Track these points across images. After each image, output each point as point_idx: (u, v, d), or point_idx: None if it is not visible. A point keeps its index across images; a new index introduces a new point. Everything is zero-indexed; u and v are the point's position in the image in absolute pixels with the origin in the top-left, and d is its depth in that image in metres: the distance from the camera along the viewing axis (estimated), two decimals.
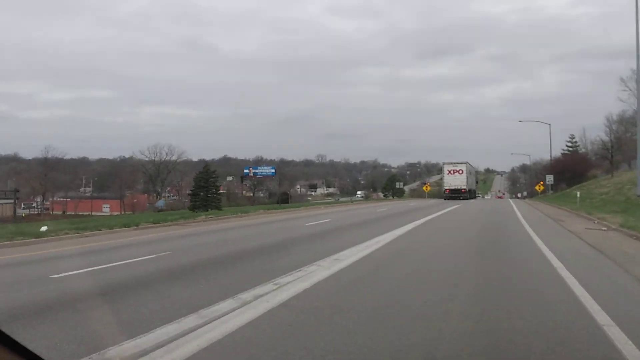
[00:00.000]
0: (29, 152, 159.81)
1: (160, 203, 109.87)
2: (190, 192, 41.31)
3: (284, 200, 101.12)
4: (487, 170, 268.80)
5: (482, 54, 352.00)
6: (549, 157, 69.54)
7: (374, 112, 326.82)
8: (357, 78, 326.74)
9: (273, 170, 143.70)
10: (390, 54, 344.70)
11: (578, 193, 31.04)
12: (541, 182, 73.99)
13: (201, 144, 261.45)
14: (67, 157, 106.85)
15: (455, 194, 59.29)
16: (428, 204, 45.75)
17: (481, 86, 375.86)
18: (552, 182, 59.84)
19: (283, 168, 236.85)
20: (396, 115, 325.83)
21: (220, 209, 35.15)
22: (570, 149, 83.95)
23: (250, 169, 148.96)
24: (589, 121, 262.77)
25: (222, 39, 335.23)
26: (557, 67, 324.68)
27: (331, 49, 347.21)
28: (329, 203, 53.48)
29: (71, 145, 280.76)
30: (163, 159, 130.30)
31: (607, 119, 60.89)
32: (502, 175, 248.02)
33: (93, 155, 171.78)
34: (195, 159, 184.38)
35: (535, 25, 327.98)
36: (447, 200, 53.53)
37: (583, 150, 78.79)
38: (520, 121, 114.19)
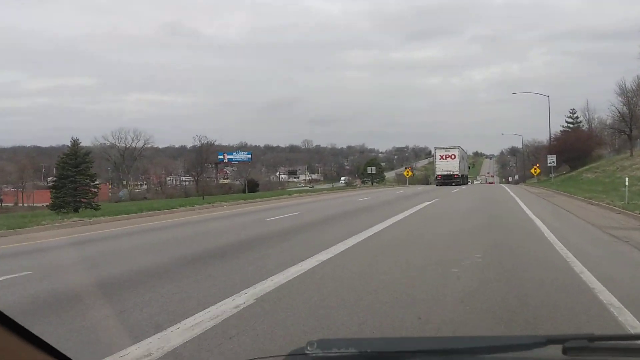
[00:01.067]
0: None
1: (123, 193, 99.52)
2: (52, 183, 29.63)
3: (252, 188, 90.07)
4: (476, 154, 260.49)
5: (469, 35, 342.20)
6: (542, 139, 58.82)
7: (361, 96, 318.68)
8: (344, 62, 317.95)
9: (249, 156, 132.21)
10: (376, 36, 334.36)
11: (626, 179, 19.31)
12: (537, 165, 63.64)
13: (185, 130, 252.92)
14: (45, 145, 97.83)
15: (448, 180, 55.45)
16: (415, 192, 37.69)
17: (469, 69, 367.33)
18: (555, 164, 48.93)
19: (267, 154, 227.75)
20: (384, 99, 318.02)
21: (96, 208, 23.60)
22: (571, 125, 72.89)
23: (225, 154, 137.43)
24: (578, 103, 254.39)
25: (204, 24, 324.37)
26: (545, 48, 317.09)
27: (316, 32, 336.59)
28: (305, 191, 44.62)
29: (54, 134, 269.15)
30: (128, 145, 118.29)
31: (619, 86, 49.75)
32: (491, 158, 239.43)
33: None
34: (177, 145, 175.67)
35: (523, 6, 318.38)
36: (439, 187, 49.31)
37: (585, 126, 67.70)
38: (514, 93, 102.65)
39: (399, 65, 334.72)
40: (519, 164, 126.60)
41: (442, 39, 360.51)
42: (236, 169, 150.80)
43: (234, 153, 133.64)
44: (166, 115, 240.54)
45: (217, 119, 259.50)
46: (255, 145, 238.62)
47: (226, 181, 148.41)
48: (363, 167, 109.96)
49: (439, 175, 58.34)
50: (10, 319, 1.02)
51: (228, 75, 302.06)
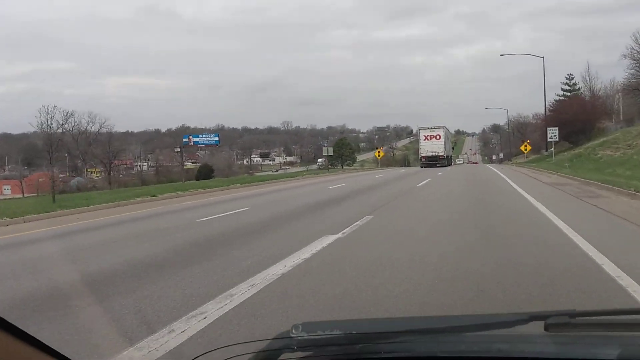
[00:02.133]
0: None
1: (75, 182, 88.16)
2: None
3: (206, 174, 78.89)
4: (458, 132, 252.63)
5: (452, 12, 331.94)
6: (528, 113, 48.20)
7: (344, 77, 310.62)
8: (325, 42, 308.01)
9: (216, 139, 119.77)
10: (359, 15, 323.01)
11: None
12: (527, 142, 53.39)
13: (162, 114, 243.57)
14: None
15: (433, 161, 51.80)
16: (397, 175, 31.20)
17: (452, 47, 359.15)
18: (557, 139, 38.23)
19: (245, 136, 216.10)
20: (366, 79, 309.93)
21: None
22: (568, 93, 62.20)
23: (190, 137, 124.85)
24: (558, 79, 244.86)
25: (182, 4, 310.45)
26: (528, 25, 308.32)
27: (298, 11, 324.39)
28: (264, 179, 35.79)
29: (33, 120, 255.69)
30: (82, 130, 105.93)
31: (635, 38, 38.88)
32: (473, 136, 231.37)
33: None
34: (151, 128, 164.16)
35: None
36: (423, 169, 44.97)
37: (586, 94, 56.72)
38: (502, 55, 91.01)
39: (381, 45, 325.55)
40: (503, 141, 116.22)
41: (424, 17, 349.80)
42: (209, 153, 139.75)
43: (200, 135, 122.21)
44: (145, 99, 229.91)
45: (196, 102, 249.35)
46: (233, 128, 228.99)
47: (194, 166, 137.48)
48: (334, 148, 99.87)
49: (423, 156, 54.51)
50: (3, 319, 1.02)
51: (207, 57, 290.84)
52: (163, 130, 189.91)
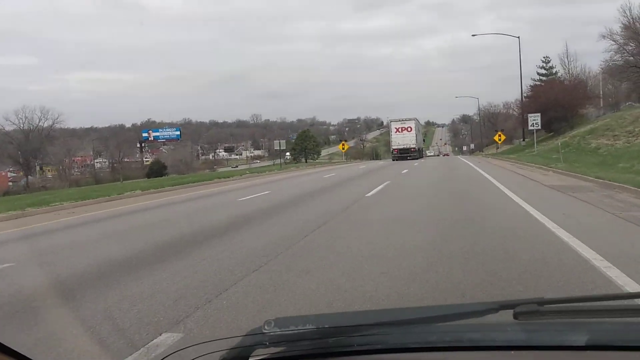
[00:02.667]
0: None
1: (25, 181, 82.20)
2: None
3: (158, 172, 72.31)
4: (428, 123, 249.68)
5: (418, 3, 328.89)
6: (499, 102, 43.31)
7: (313, 69, 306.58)
8: (294, 33, 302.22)
9: (178, 133, 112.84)
10: (327, 6, 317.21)
11: None
12: (500, 132, 48.78)
13: (130, 108, 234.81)
14: None
15: (404, 154, 50.50)
16: (353, 174, 25.86)
17: (419, 38, 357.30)
18: (539, 127, 33.07)
19: (212, 129, 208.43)
20: (335, 71, 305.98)
21: None
22: (544, 77, 57.45)
23: (150, 132, 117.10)
24: (525, 69, 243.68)
25: None
26: (493, 15, 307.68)
27: (266, 2, 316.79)
28: (217, 176, 30.70)
29: None
30: (35, 126, 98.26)
31: (623, 11, 33.98)
32: (442, 127, 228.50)
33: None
34: (116, 123, 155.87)
35: None
36: (395, 162, 44.40)
37: (564, 77, 51.86)
38: (473, 35, 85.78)
39: (349, 37, 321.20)
40: (474, 131, 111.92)
41: (391, 8, 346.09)
42: (173, 148, 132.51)
43: (160, 130, 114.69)
44: (110, 94, 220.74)
45: (162, 96, 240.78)
46: (200, 122, 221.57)
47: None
48: (295, 142, 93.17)
49: (395, 149, 52.31)
50: None
51: (174, 50, 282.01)
52: (128, 125, 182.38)
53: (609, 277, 4.22)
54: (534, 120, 32.20)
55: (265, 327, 1.21)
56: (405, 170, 24.02)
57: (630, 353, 1.13)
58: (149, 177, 67.46)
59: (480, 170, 20.86)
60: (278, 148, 44.48)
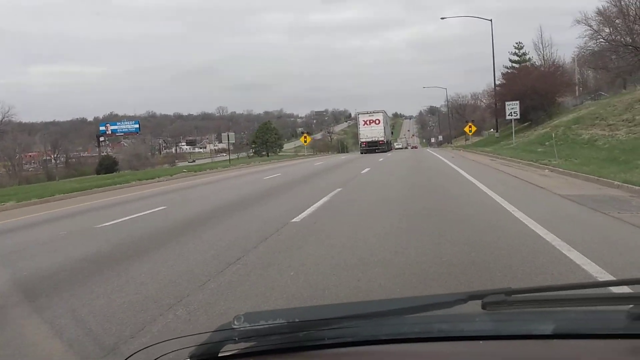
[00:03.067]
0: None
1: None
2: None
3: (108, 168, 66.55)
4: (395, 115, 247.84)
5: None
6: (467, 93, 39.70)
7: (281, 61, 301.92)
8: (261, 26, 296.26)
9: (137, 126, 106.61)
10: None
11: None
12: (470, 122, 45.44)
13: (93, 101, 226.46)
14: None
15: (373, 147, 49.79)
16: (324, 166, 24.79)
17: (387, 30, 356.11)
18: (517, 116, 29.14)
19: (177, 122, 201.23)
20: (304, 64, 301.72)
21: None
22: (517, 64, 53.93)
23: (108, 125, 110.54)
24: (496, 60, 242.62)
25: None
26: (459, 7, 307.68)
27: None
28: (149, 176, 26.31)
29: None
30: None
31: None
32: (410, 119, 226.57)
33: None
34: (79, 117, 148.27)
35: None
36: (363, 155, 44.00)
37: (538, 63, 48.29)
38: (442, 18, 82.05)
39: (318, 29, 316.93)
40: (442, 122, 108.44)
41: (359, 0, 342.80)
42: (133, 142, 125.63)
43: (119, 123, 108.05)
44: (73, 87, 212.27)
45: (127, 89, 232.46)
46: (164, 115, 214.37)
47: (117, 156, 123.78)
48: (255, 134, 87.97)
49: (363, 142, 51.25)
50: None
51: (139, 42, 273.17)
52: (90, 119, 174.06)
53: None
54: (512, 109, 28.32)
55: (235, 322, 1.18)
56: (366, 170, 19.60)
57: (594, 341, 1.15)
58: (98, 174, 61.84)
59: (458, 169, 16.63)
60: (226, 141, 39.51)
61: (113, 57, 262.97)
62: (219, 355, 1.20)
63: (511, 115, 28.49)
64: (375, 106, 62.74)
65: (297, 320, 1.22)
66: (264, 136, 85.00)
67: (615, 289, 1.95)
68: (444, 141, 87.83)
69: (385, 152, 48.29)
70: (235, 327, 1.18)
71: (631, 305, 1.16)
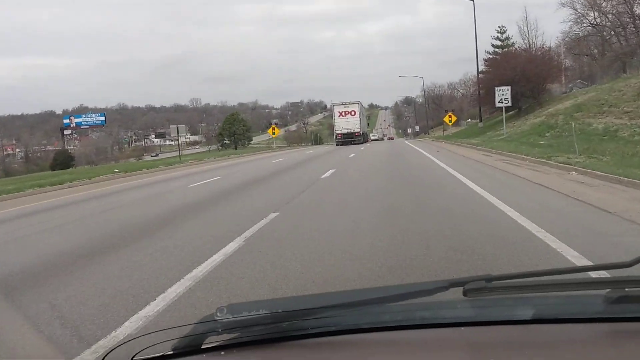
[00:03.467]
0: None
1: None
2: None
3: (63, 164, 61.20)
4: (371, 106, 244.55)
5: None
6: (443, 82, 35.87)
7: (256, 52, 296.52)
8: (235, 16, 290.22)
9: (102, 119, 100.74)
10: None
11: None
12: (450, 112, 42.04)
13: (65, 95, 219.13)
14: None
15: (348, 138, 48.67)
16: (284, 165, 20.66)
17: (363, 22, 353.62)
18: (509, 103, 25.15)
19: (149, 114, 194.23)
20: (278, 55, 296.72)
21: None
22: (500, 49, 50.01)
23: (72, 118, 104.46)
24: (469, 53, 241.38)
25: None
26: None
27: None
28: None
29: None
30: None
31: None
32: (386, 109, 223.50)
33: None
34: (47, 110, 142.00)
35: None
36: (339, 147, 42.43)
37: (521, 46, 44.13)
38: None
39: (293, 19, 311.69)
40: (418, 113, 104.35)
41: None
42: (104, 134, 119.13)
43: (83, 116, 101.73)
44: (44, 80, 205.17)
45: (98, 82, 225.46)
46: (135, 107, 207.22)
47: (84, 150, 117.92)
48: (222, 126, 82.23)
49: (338, 134, 49.83)
50: None
51: (110, 33, 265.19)
52: (59, 112, 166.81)
53: None
54: (503, 95, 24.34)
55: (218, 314, 1.17)
56: (329, 172, 15.19)
57: (573, 325, 1.17)
58: (52, 169, 56.60)
59: (455, 172, 12.32)
60: (175, 133, 34.72)
61: (83, 49, 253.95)
62: (202, 347, 1.19)
63: (502, 102, 24.52)
64: (351, 97, 61.66)
65: (280, 310, 1.20)
66: (231, 128, 79.74)
67: (594, 274, 1.77)
68: (421, 132, 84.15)
69: (361, 143, 46.75)
70: (218, 318, 1.16)
71: (608, 290, 1.16)
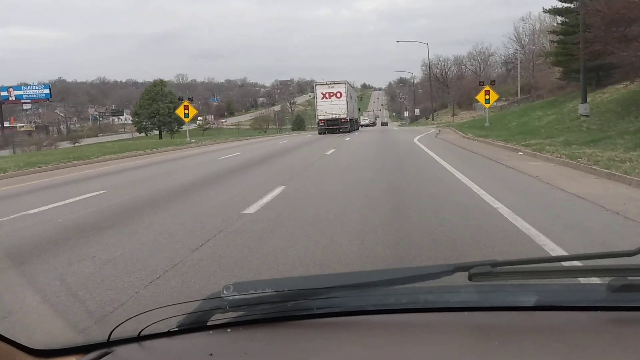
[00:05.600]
0: None
1: None
2: None
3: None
4: (364, 86, 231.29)
5: None
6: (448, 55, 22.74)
7: (249, 30, 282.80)
8: None
9: (47, 91, 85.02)
10: None
11: None
12: (488, 87, 28.03)
13: (52, 66, 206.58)
14: None
15: (333, 125, 39.65)
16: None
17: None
18: None
19: (127, 89, 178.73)
20: (270, 32, 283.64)
21: None
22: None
23: (10, 90, 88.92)
24: (467, 34, 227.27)
25: None
26: None
27: None
28: None
29: None
30: None
31: None
32: (380, 90, 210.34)
33: None
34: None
35: None
36: (322, 135, 36.20)
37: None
38: None
39: None
40: (416, 92, 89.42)
41: None
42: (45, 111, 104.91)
43: (24, 88, 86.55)
44: (32, 51, 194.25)
45: (84, 54, 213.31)
46: (116, 81, 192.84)
47: (30, 127, 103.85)
48: (137, 104, 60.65)
49: (321, 120, 41.10)
50: None
51: (96, 7, 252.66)
52: (27, 82, 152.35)
53: None
54: None
55: (224, 291, 1.17)
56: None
57: (575, 312, 1.17)
58: None
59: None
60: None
61: (69, 23, 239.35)
62: (208, 323, 1.19)
63: None
64: (344, 77, 51.05)
65: (286, 290, 1.20)
66: (151, 106, 58.31)
67: (597, 262, 1.74)
68: (421, 115, 70.06)
69: (349, 132, 39.08)
70: (224, 296, 1.16)
71: (611, 278, 1.15)
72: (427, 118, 67.61)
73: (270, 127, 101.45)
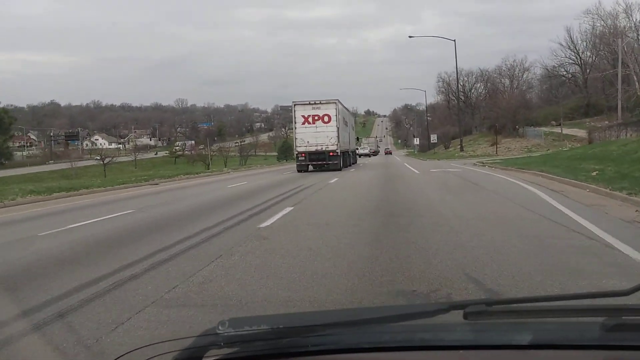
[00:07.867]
0: None
1: None
2: None
3: None
4: (368, 113, 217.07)
5: None
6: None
7: (255, 57, 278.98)
8: (237, 19, 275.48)
9: None
10: None
11: None
12: None
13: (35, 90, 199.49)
14: None
15: (318, 160, 26.67)
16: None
17: (364, 29, 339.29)
18: None
19: (115, 113, 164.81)
20: (279, 59, 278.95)
21: None
22: None
23: None
24: (470, 63, 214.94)
25: None
26: (437, 9, 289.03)
27: None
28: None
29: None
30: None
31: None
32: (384, 117, 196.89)
33: None
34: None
35: None
36: (301, 175, 23.82)
37: None
38: (410, 37, 52.62)
39: (294, 25, 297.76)
40: (437, 113, 72.75)
41: None
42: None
43: None
44: (38, 76, 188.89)
45: (93, 80, 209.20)
46: (111, 104, 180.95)
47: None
48: None
49: (301, 152, 26.82)
50: None
51: (109, 32, 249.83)
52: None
53: None
54: None
55: (219, 327, 1.16)
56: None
57: (570, 351, 1.15)
58: None
59: None
60: None
61: (80, 46, 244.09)
62: (203, 359, 1.16)
63: None
64: (349, 104, 38.30)
65: (281, 326, 1.19)
66: None
67: (592, 301, 1.76)
68: (439, 142, 53.19)
69: (339, 169, 26.20)
70: (219, 332, 1.14)
71: (605, 317, 1.14)
72: (447, 147, 51.16)
73: (258, 153, 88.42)
